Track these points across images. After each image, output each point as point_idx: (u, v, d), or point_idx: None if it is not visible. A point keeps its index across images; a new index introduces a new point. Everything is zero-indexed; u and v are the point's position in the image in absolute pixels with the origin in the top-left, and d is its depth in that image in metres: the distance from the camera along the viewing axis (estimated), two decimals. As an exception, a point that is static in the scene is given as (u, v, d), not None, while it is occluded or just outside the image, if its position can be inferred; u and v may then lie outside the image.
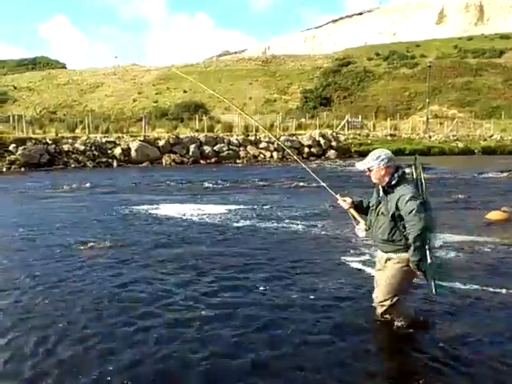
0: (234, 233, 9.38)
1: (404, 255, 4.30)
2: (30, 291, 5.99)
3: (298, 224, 10.26)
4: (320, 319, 5.06)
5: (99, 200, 14.26)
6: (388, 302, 4.47)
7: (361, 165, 4.46)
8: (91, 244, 8.27)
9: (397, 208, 4.20)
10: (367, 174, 4.44)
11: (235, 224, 10.27)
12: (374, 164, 4.32)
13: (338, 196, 4.68)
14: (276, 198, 14.49)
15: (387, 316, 4.57)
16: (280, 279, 6.42)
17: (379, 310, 4.59)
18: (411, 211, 4.06)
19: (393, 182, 4.25)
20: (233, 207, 12.51)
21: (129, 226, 10.14)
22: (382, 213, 4.35)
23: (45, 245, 8.42)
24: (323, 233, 9.41)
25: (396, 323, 4.59)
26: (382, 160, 4.29)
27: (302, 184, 18.21)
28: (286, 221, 10.65)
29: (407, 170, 4.42)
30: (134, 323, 4.98)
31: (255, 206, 12.70)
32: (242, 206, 12.68)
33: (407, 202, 4.10)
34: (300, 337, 4.63)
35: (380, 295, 4.54)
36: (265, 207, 12.58)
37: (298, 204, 13.22)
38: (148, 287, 6.07)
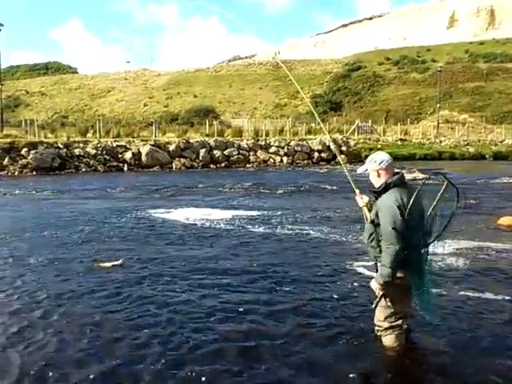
0: (250, 240, 9.25)
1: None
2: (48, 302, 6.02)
3: (312, 229, 10.22)
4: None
5: (114, 205, 14.31)
6: (386, 324, 4.28)
7: (359, 169, 4.43)
8: (109, 251, 8.26)
9: (376, 215, 4.09)
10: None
11: (251, 229, 10.22)
12: (368, 167, 4.27)
13: (357, 191, 4.56)
14: (289, 203, 14.47)
15: (383, 338, 4.36)
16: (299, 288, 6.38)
17: (375, 330, 4.44)
18: (390, 229, 3.91)
19: (380, 189, 4.13)
20: (246, 213, 12.48)
21: (147, 232, 10.11)
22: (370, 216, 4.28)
23: (65, 256, 8.45)
24: (343, 239, 9.32)
25: (391, 346, 4.33)
26: (375, 162, 4.20)
27: (312, 188, 18.25)
28: (301, 226, 10.61)
29: (408, 176, 4.23)
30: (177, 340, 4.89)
31: (268, 212, 12.68)
32: (255, 212, 12.67)
33: (387, 216, 3.95)
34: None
35: (375, 316, 4.39)
36: (278, 212, 12.53)
37: (311, 208, 13.22)
38: (182, 299, 5.93)
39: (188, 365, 4.19)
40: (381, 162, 4.18)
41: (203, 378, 3.95)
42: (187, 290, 6.17)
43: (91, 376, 4.00)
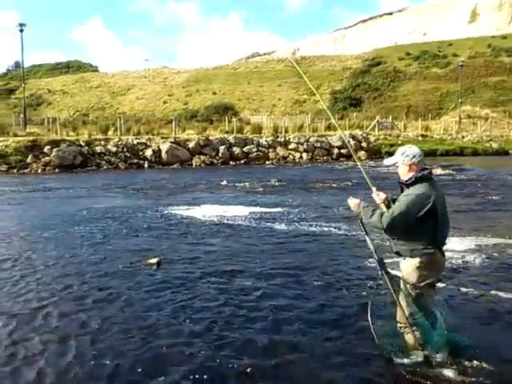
0: (276, 238, 9.14)
1: (410, 262, 4.13)
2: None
3: (335, 227, 10.18)
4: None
5: (138, 202, 14.45)
6: (409, 321, 4.19)
7: (388, 161, 4.34)
8: (144, 250, 8.20)
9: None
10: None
11: (275, 227, 10.17)
12: (398, 160, 4.18)
13: (374, 189, 4.45)
14: (310, 199, 14.44)
15: (406, 336, 4.25)
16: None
17: (398, 328, 4.32)
18: (392, 211, 3.98)
19: (409, 182, 4.10)
20: (269, 210, 12.46)
21: (172, 229, 10.20)
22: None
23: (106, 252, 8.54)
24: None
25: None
26: (407, 156, 4.12)
27: (333, 185, 18.21)
28: (324, 223, 10.57)
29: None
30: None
31: (290, 209, 12.70)
32: (277, 209, 12.69)
33: (407, 202, 3.95)
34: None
35: (399, 313, 4.27)
36: (299, 209, 12.54)
37: (333, 205, 13.18)
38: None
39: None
40: (413, 157, 4.11)
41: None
42: (222, 291, 6.11)
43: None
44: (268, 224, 10.47)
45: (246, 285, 6.36)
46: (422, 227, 3.99)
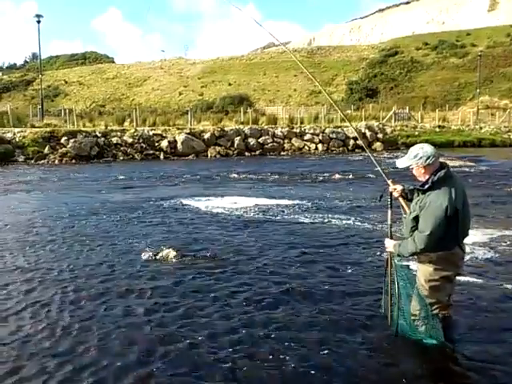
0: (298, 230, 9.08)
1: (426, 256, 4.09)
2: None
3: (358, 220, 10.13)
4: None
5: (155, 193, 14.51)
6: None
7: (400, 163, 4.17)
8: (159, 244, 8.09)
9: (421, 211, 3.97)
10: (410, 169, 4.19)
11: (298, 219, 10.12)
12: (412, 163, 4.04)
13: (389, 182, 4.37)
14: (328, 191, 14.39)
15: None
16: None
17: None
18: (423, 231, 3.89)
19: (425, 186, 3.97)
20: (286, 202, 12.44)
21: (193, 222, 10.17)
22: (410, 210, 4.16)
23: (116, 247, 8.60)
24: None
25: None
26: (421, 158, 3.98)
27: (350, 176, 18.13)
28: (346, 215, 10.48)
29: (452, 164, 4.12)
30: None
31: (310, 201, 12.68)
32: (294, 201, 12.68)
33: (432, 216, 3.86)
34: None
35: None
36: (318, 201, 12.51)
37: (352, 197, 13.14)
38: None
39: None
40: (427, 158, 3.98)
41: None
42: (237, 285, 6.03)
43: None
44: (290, 216, 10.47)
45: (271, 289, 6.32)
46: (445, 229, 3.91)
